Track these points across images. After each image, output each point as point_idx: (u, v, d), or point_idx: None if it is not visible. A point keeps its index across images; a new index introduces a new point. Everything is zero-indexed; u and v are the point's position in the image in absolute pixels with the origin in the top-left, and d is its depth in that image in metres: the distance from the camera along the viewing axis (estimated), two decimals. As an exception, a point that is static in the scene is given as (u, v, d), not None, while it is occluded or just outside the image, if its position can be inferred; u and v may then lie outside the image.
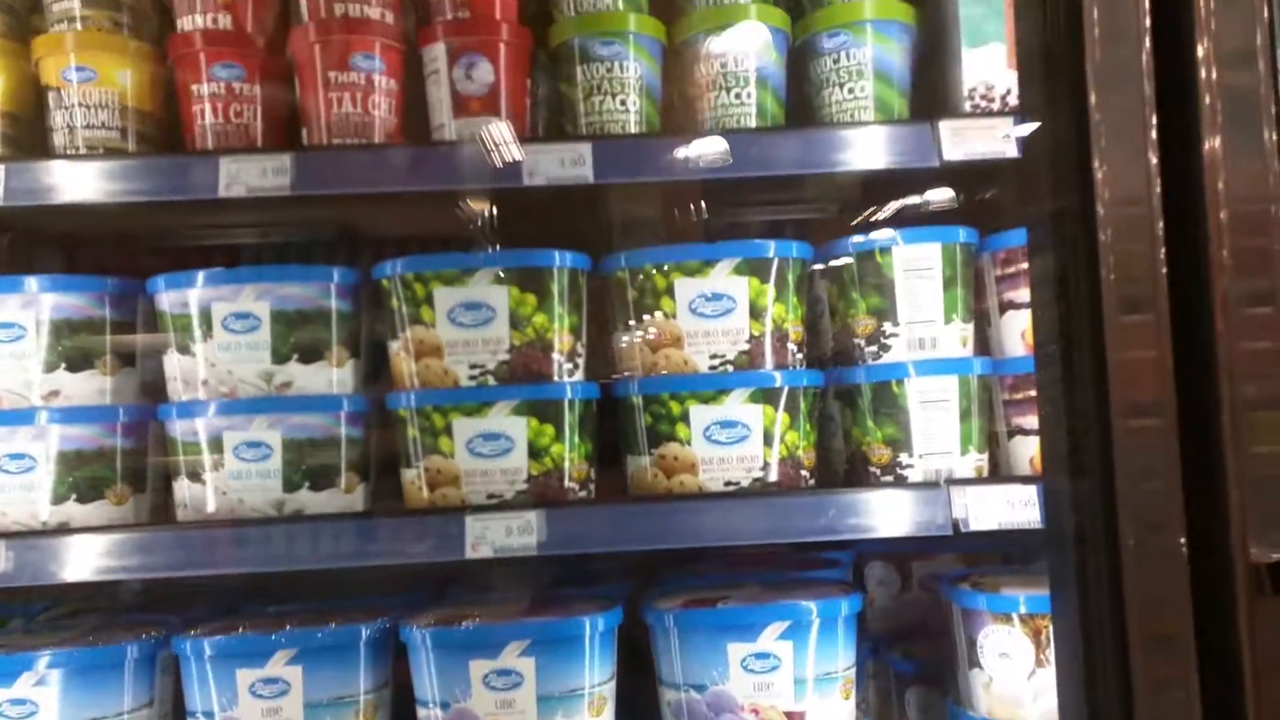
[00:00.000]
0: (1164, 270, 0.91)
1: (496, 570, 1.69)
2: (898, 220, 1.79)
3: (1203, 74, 0.91)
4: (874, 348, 1.55)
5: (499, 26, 1.55)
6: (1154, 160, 0.91)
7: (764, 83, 1.58)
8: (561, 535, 1.40)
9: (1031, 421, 1.54)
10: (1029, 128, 0.99)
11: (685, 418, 1.50)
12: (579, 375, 1.54)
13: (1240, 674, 0.86)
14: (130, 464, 1.47)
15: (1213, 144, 0.90)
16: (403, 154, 1.46)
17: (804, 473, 1.54)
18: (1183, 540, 0.88)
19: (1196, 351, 0.91)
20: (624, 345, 1.56)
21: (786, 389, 1.51)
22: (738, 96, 1.56)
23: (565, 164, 1.47)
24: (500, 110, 1.55)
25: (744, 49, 1.57)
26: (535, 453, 1.47)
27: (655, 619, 1.50)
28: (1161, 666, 0.86)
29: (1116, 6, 0.91)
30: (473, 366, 1.46)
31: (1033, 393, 1.53)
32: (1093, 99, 0.91)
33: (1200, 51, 0.91)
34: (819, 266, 1.65)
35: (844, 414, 1.60)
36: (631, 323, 1.54)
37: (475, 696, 1.39)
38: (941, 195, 1.75)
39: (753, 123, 1.57)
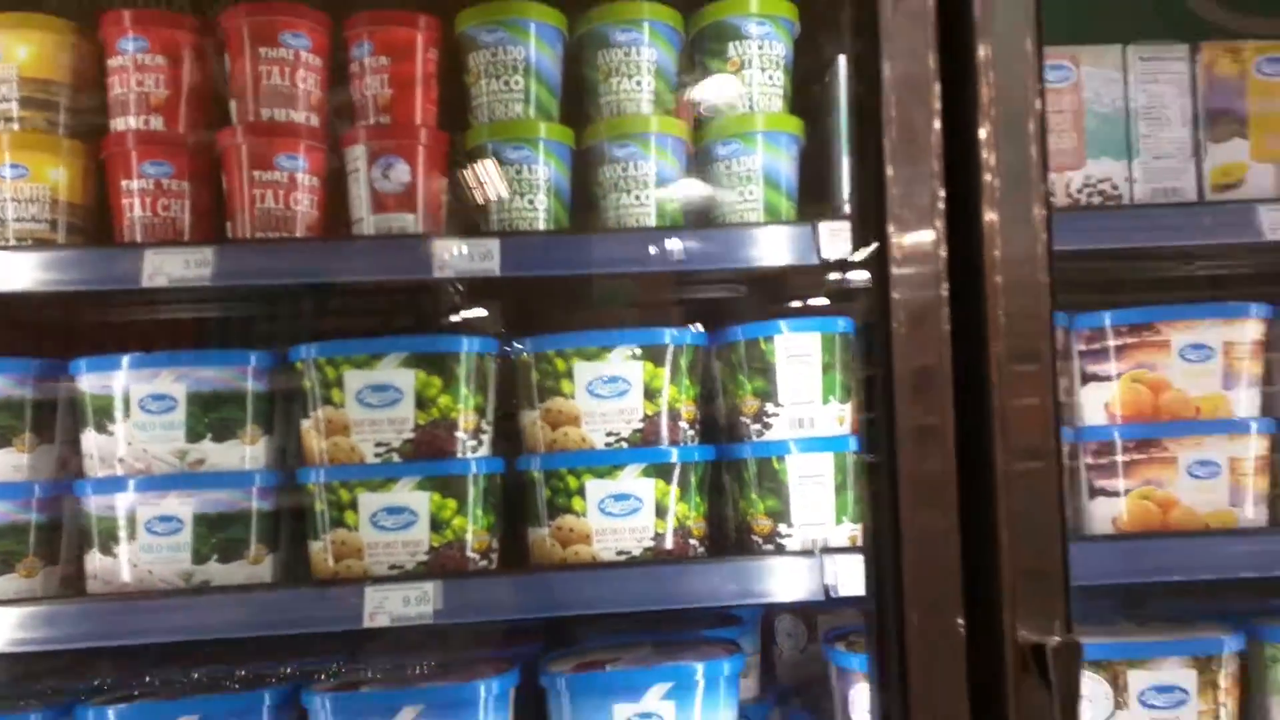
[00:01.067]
0: (947, 327, 1.04)
1: (419, 630, 1.75)
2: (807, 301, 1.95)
3: (983, 155, 1.06)
4: (758, 426, 1.67)
5: (417, 131, 1.68)
6: (940, 227, 1.05)
7: (663, 185, 1.72)
8: (458, 604, 1.48)
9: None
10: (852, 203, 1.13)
11: (581, 491, 1.60)
12: (484, 451, 1.64)
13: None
14: (43, 538, 1.53)
15: (991, 217, 1.05)
16: (319, 247, 1.58)
17: (693, 542, 1.64)
18: (960, 621, 1.00)
19: (979, 411, 1.04)
20: (527, 424, 1.66)
21: (678, 464, 1.62)
22: (638, 198, 1.70)
23: (474, 258, 1.59)
24: (416, 207, 1.67)
25: (643, 155, 1.71)
26: (437, 525, 1.55)
27: (548, 682, 1.57)
28: None
29: (911, 90, 1.06)
30: (378, 444, 1.55)
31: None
32: (890, 172, 1.06)
33: (982, 134, 1.06)
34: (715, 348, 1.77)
35: (733, 487, 1.71)
36: (534, 402, 1.65)
37: (371, 762, 1.45)
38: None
39: (652, 222, 1.71)
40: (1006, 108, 1.05)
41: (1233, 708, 1.64)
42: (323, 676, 1.60)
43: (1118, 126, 1.68)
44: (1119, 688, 1.62)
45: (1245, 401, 1.68)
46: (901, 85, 1.06)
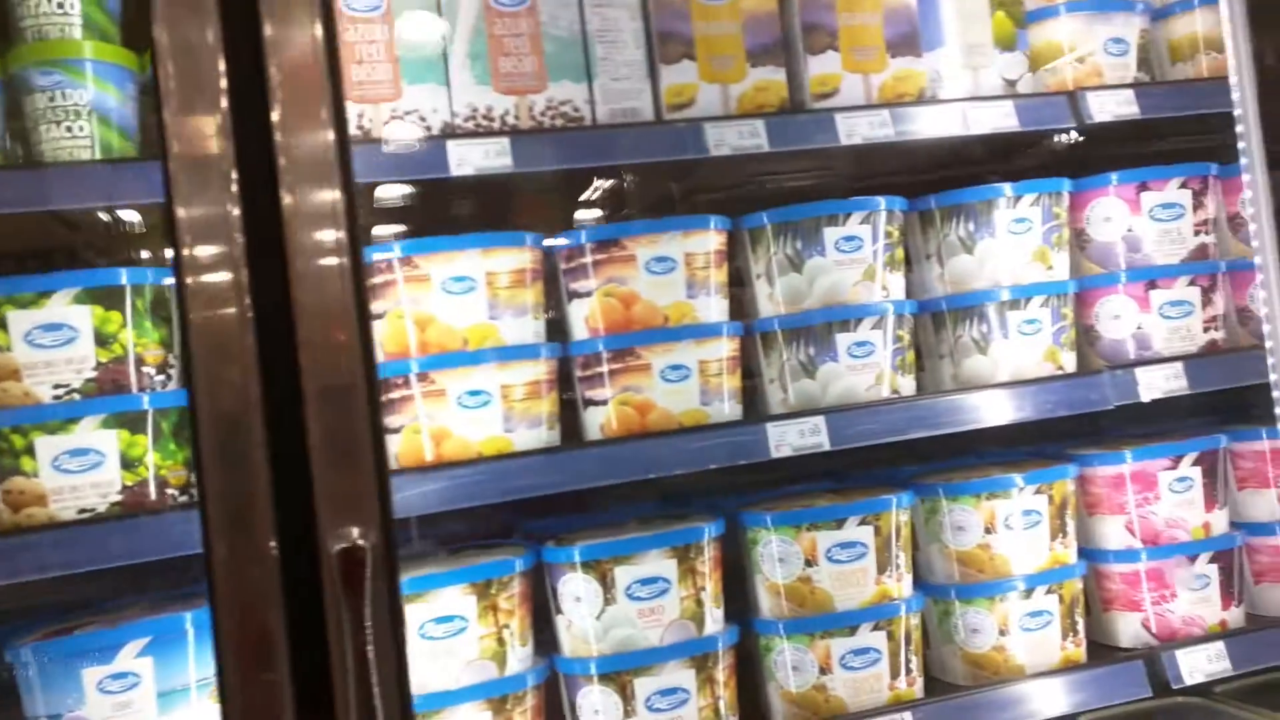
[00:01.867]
0: (250, 315, 1.03)
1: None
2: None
3: (278, 138, 1.04)
4: (235, 367, 1.63)
5: None
6: (235, 211, 1.03)
7: (105, 119, 1.61)
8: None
9: (392, 420, 1.69)
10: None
11: (30, 450, 1.50)
12: (-90, 418, 1.50)
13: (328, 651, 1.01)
14: None
15: (289, 199, 1.04)
16: None
17: (172, 491, 1.60)
18: (273, 544, 1.02)
19: (290, 376, 1.05)
20: (-39, 383, 1.54)
21: (147, 411, 1.55)
22: (69, 130, 1.58)
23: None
24: None
25: (80, 85, 1.59)
26: None
27: (13, 655, 1.49)
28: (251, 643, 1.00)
29: (192, 61, 1.02)
30: None
31: (391, 394, 1.68)
32: (174, 148, 1.02)
33: (275, 117, 1.04)
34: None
35: (217, 432, 1.68)
36: (-34, 360, 1.52)
37: None
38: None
39: (93, 155, 1.60)
40: (295, 92, 1.03)
41: (713, 589, 1.82)
42: None
43: (575, 50, 1.74)
44: (608, 584, 1.75)
45: (712, 308, 1.83)
46: (180, 54, 1.01)
